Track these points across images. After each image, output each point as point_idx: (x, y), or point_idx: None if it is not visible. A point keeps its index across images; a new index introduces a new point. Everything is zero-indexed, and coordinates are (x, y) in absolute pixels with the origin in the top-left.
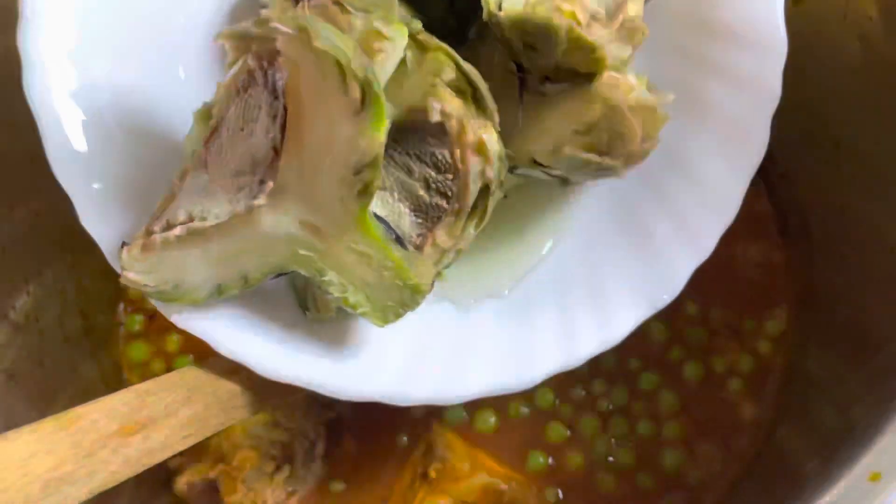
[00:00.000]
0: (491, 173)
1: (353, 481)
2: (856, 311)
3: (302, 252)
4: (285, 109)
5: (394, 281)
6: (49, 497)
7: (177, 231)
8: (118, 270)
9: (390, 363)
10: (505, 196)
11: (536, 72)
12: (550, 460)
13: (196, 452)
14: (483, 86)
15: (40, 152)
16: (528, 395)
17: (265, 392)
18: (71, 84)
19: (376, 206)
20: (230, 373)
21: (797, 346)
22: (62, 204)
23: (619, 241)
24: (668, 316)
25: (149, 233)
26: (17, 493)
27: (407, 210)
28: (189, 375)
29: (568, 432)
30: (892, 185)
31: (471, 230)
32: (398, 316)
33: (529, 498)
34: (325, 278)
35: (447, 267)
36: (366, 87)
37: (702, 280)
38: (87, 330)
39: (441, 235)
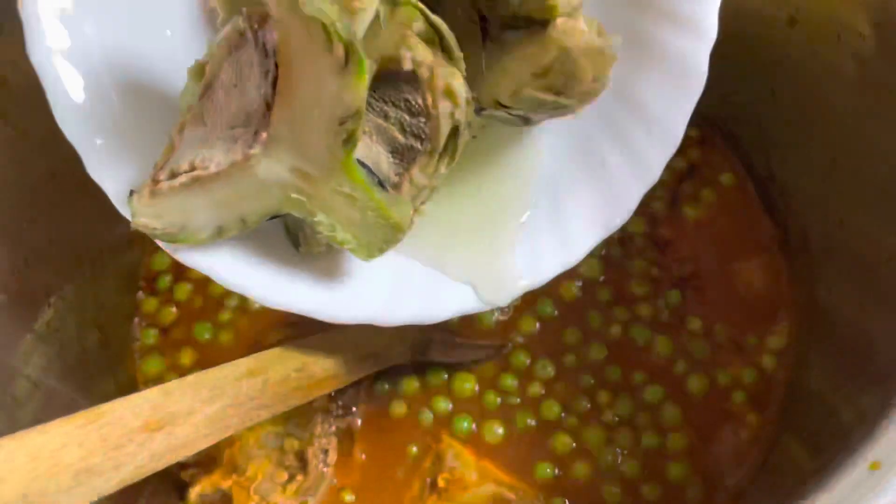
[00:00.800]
0: (460, 115)
1: (363, 491)
2: (856, 323)
3: (294, 196)
4: (276, 67)
5: (377, 220)
6: (79, 486)
7: (182, 178)
8: (127, 217)
9: (377, 289)
10: (473, 136)
11: (496, 20)
12: (557, 471)
13: (209, 463)
14: (450, 35)
15: (61, 168)
16: (534, 407)
17: (282, 396)
18: (66, 45)
19: (358, 150)
20: (248, 375)
21: (799, 359)
22: (80, 220)
23: (578, 174)
24: (673, 331)
25: (155, 181)
26: (48, 480)
27: (385, 152)
28: (210, 377)
29: (574, 444)
30: (889, 199)
31: (443, 168)
32: (381, 251)
33: None
34: (316, 219)
35: (423, 203)
36: (348, 47)
37: (705, 296)
38: (104, 343)
39: (417, 174)
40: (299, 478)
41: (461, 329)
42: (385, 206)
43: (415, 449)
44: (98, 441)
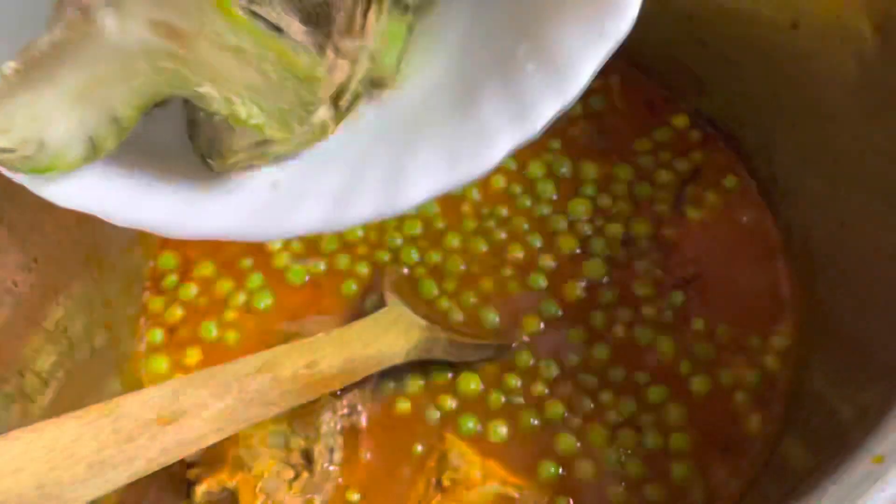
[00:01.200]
0: None
1: (368, 490)
2: (858, 323)
3: (165, 65)
4: None
5: (282, 76)
6: (93, 478)
7: (12, 65)
8: None
9: (322, 191)
10: None
11: None
12: (561, 470)
13: (214, 462)
14: None
15: None
16: (538, 407)
17: (291, 392)
18: None
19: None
20: (258, 372)
21: (801, 359)
22: (88, 221)
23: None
24: (676, 332)
25: None
26: (64, 471)
27: (296, 21)
28: (219, 373)
29: (578, 444)
30: (890, 200)
31: (375, 18)
32: (302, 120)
33: None
34: (202, 91)
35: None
36: None
37: (709, 297)
38: (112, 343)
39: (340, 40)
40: (305, 475)
41: (466, 329)
42: (286, 51)
43: (420, 448)
44: (111, 434)
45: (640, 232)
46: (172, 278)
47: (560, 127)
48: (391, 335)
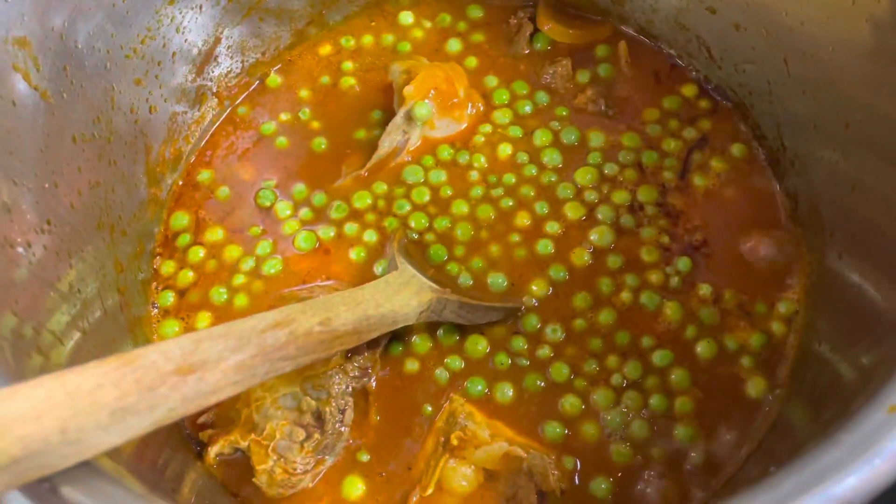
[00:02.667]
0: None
1: (378, 450)
2: (867, 287)
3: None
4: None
5: None
6: (116, 424)
7: None
8: None
9: None
10: None
11: None
12: (566, 431)
13: (227, 423)
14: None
15: (82, 134)
16: (544, 369)
17: (306, 348)
18: None
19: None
20: (275, 327)
21: (808, 324)
22: (102, 185)
23: None
24: (682, 296)
25: None
26: (87, 417)
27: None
28: (237, 327)
29: (583, 405)
30: None
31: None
32: None
33: (548, 465)
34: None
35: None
36: None
37: (715, 262)
38: (124, 306)
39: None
40: (317, 436)
41: (475, 292)
42: None
43: (429, 408)
44: (133, 383)
45: (647, 199)
46: (186, 237)
47: (567, 95)
48: (403, 296)
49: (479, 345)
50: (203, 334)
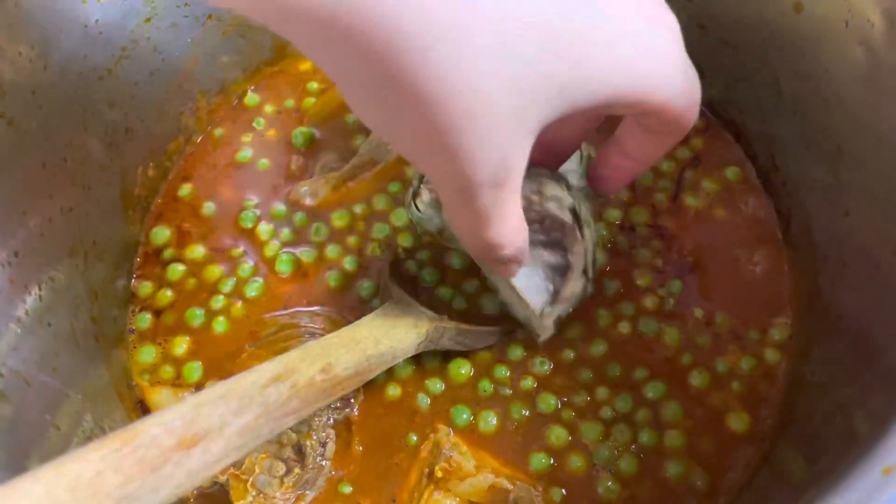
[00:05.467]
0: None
1: (361, 482)
2: (860, 317)
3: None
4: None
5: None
6: None
7: None
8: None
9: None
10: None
11: None
12: (552, 461)
13: None
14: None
15: (52, 159)
16: (528, 400)
17: (308, 399)
18: None
19: (524, 274)
20: (276, 381)
21: (802, 352)
22: (74, 211)
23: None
24: (676, 320)
25: None
26: None
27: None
28: (237, 387)
29: (570, 437)
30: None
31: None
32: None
33: (535, 498)
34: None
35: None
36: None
37: (708, 286)
38: (98, 335)
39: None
40: (297, 471)
41: (469, 315)
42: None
43: (414, 438)
44: (134, 465)
45: (639, 220)
46: (170, 251)
47: None
48: (401, 330)
49: (461, 369)
50: (203, 398)
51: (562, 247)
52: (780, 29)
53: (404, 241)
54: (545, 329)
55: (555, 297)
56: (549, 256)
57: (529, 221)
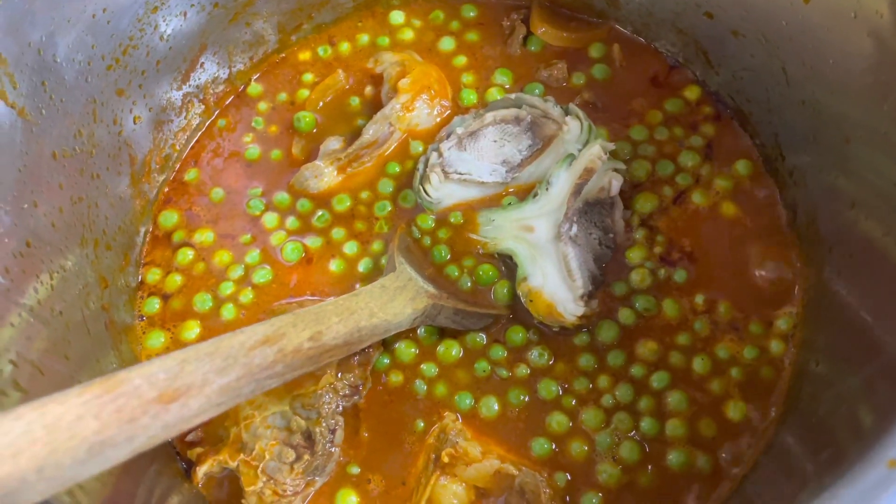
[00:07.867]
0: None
1: (370, 467)
2: (864, 310)
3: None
4: (539, 145)
5: None
6: (94, 458)
7: (455, 177)
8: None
9: None
10: None
11: None
12: (554, 447)
13: (215, 442)
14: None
15: (63, 150)
16: (530, 387)
17: (294, 365)
18: None
19: (574, 254)
20: (264, 344)
21: (806, 343)
22: (84, 200)
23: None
24: (679, 307)
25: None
26: (64, 454)
27: (591, 257)
28: (225, 345)
29: (570, 423)
30: None
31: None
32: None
33: (540, 483)
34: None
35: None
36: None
37: (713, 277)
38: (108, 323)
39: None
40: (307, 457)
41: (470, 297)
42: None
43: (421, 424)
44: (113, 413)
45: (644, 209)
46: (180, 234)
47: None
48: (398, 303)
49: (452, 350)
50: (190, 353)
51: (611, 231)
52: (788, 19)
53: (424, 220)
54: (575, 311)
55: (595, 286)
56: (597, 244)
57: None
